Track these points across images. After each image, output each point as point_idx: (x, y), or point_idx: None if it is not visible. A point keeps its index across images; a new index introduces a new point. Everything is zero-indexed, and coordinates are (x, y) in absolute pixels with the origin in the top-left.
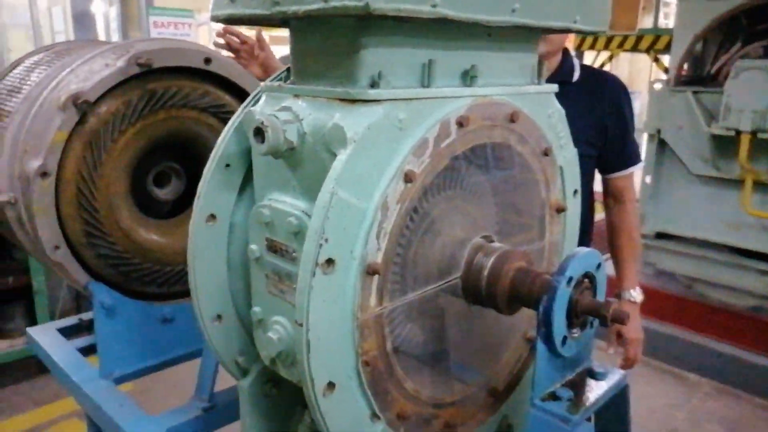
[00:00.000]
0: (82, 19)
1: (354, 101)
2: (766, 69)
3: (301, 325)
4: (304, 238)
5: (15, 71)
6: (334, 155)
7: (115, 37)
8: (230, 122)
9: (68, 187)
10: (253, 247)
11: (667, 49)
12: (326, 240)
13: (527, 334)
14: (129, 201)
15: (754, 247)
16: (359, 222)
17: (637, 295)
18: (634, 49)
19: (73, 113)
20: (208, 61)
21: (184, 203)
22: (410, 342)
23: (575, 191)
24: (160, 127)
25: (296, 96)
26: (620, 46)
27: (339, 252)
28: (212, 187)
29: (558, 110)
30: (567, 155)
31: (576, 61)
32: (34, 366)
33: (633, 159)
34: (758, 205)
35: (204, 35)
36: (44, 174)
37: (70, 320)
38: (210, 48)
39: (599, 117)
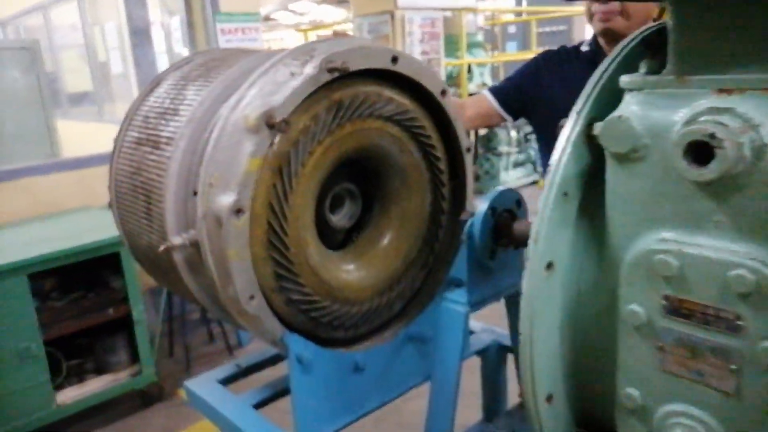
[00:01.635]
0: (141, 33)
1: None
2: None
3: None
4: (762, 300)
5: (158, 91)
6: None
7: (179, 49)
8: (565, 136)
9: (258, 223)
10: (635, 309)
11: None
12: None
13: None
14: (314, 233)
15: None
16: None
17: None
18: None
19: (265, 135)
20: (395, 59)
21: (355, 229)
22: None
23: None
24: (346, 144)
25: (722, 91)
26: None
27: None
28: (553, 226)
29: None
30: None
31: None
32: (138, 399)
33: None
34: None
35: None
36: (238, 211)
37: (228, 368)
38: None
39: None
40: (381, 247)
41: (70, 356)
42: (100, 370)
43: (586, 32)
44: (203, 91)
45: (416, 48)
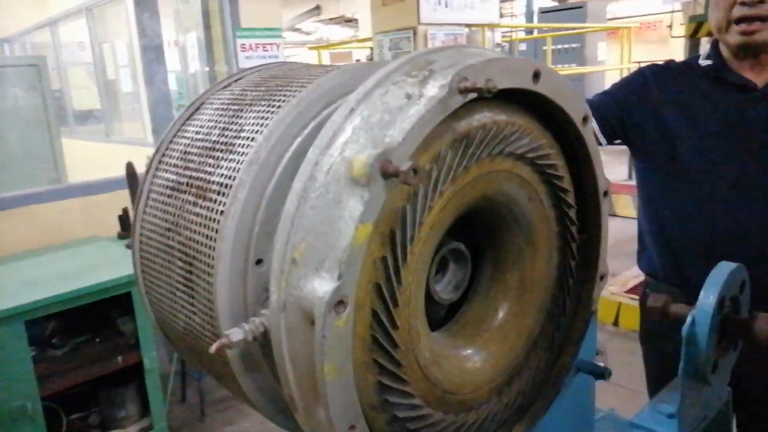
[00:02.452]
0: (153, 49)
1: None
2: None
3: None
4: None
5: (200, 117)
6: None
7: (196, 67)
8: None
9: (360, 316)
10: None
11: None
12: None
13: None
14: (425, 319)
15: None
16: None
17: None
18: None
19: (379, 190)
20: (536, 75)
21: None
22: None
23: None
24: (469, 193)
25: None
26: None
27: None
28: None
29: None
30: None
31: None
32: None
33: None
34: None
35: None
36: (340, 304)
37: None
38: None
39: None
40: (495, 325)
41: (70, 409)
42: (105, 426)
43: (598, 50)
44: (269, 120)
45: None
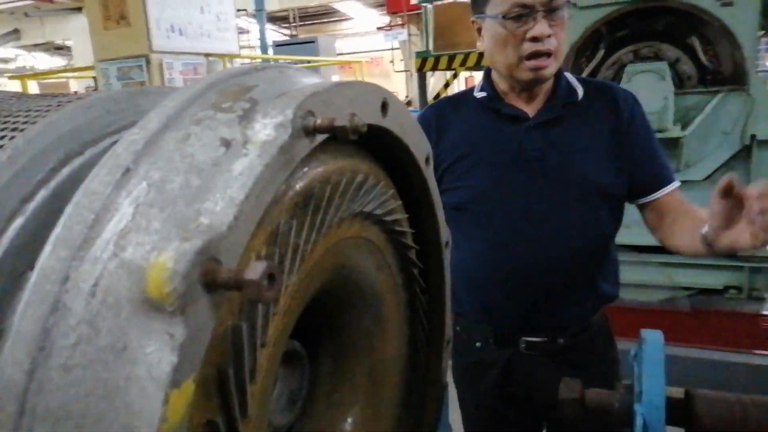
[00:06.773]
0: None
1: None
2: (657, 71)
3: None
4: None
5: None
6: None
7: None
8: None
9: None
10: None
11: None
12: None
13: None
14: None
15: (648, 242)
16: None
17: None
18: (478, 66)
19: (204, 314)
20: (384, 107)
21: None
22: None
23: None
24: (316, 278)
25: None
26: (462, 64)
27: None
28: None
29: None
30: None
31: (572, 77)
32: None
33: (671, 171)
34: None
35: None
36: None
37: None
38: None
39: (619, 138)
40: None
41: None
42: None
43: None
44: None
45: None
